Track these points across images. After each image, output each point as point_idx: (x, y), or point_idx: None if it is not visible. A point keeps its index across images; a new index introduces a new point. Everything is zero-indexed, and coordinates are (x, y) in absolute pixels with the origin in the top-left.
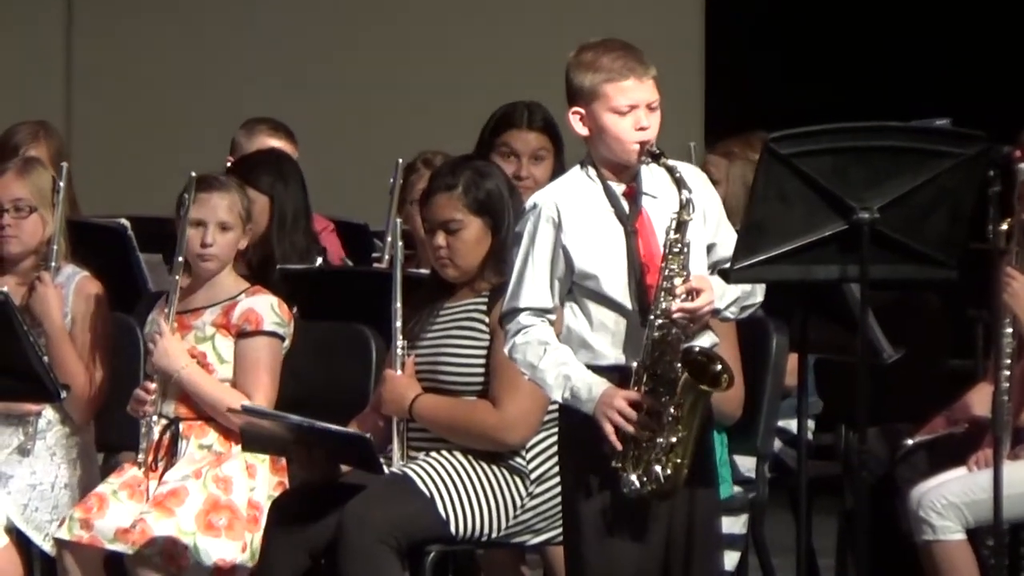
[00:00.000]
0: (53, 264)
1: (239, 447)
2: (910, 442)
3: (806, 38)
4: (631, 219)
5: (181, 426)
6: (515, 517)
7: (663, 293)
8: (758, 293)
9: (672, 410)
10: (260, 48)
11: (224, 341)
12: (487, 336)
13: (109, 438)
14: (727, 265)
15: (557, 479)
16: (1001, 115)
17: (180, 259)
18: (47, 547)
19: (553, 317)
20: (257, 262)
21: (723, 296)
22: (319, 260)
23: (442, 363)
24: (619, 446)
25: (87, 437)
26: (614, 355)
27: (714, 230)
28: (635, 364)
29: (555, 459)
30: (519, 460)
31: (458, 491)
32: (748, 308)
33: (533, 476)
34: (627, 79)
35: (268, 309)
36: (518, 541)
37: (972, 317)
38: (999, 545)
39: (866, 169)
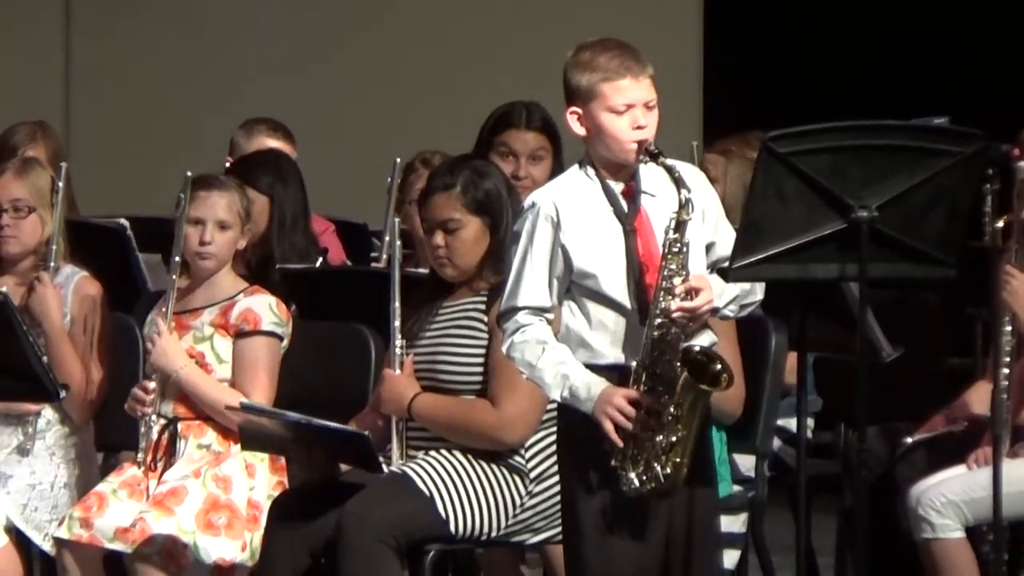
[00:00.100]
0: (52, 264)
1: (238, 446)
2: (909, 440)
3: (805, 37)
4: (630, 218)
5: (180, 426)
6: (514, 516)
7: (662, 292)
8: (757, 291)
9: (672, 409)
10: (259, 48)
11: (223, 341)
12: (486, 335)
13: (108, 438)
14: (726, 264)
15: (556, 478)
16: (1000, 113)
17: (177, 259)
18: (47, 547)
19: (551, 316)
20: (256, 262)
21: (722, 295)
22: (320, 261)
23: (441, 362)
24: (620, 443)
25: (86, 437)
26: (613, 354)
27: (713, 229)
28: (634, 363)
29: (554, 458)
30: (518, 459)
31: (457, 490)
32: (747, 306)
33: (532, 475)
34: (624, 78)
35: (266, 309)
36: (517, 540)
37: (971, 315)
38: (998, 543)
39: (864, 168)
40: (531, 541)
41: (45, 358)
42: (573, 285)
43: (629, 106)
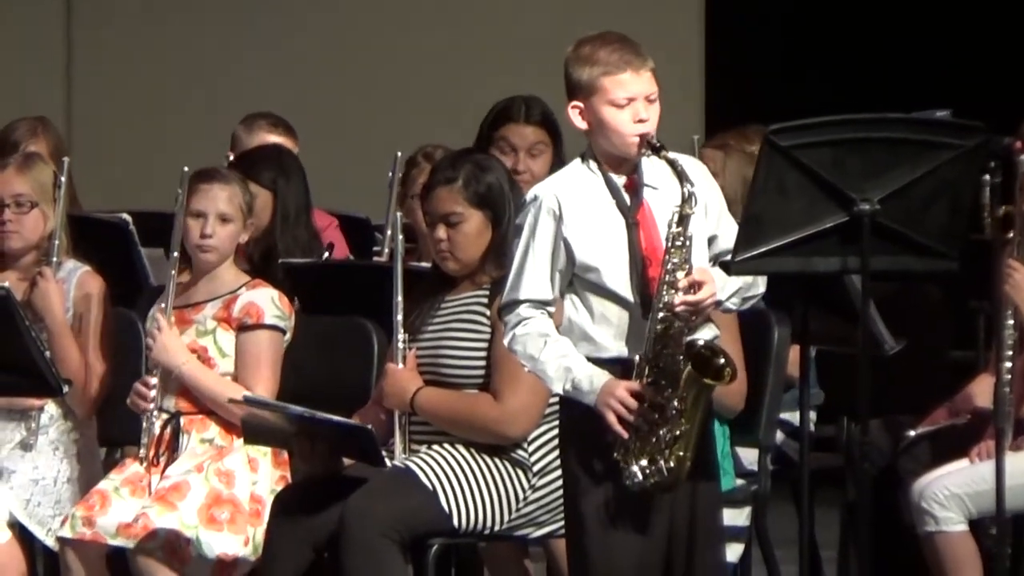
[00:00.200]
0: (55, 259)
1: (241, 441)
2: (912, 434)
3: (806, 31)
4: (632, 211)
5: (182, 420)
6: (517, 510)
7: (665, 286)
8: (760, 284)
9: (675, 403)
10: (260, 43)
11: (225, 335)
12: (488, 329)
13: (111, 433)
14: (728, 257)
15: (559, 472)
16: (1001, 106)
17: (176, 254)
18: (50, 542)
19: (553, 309)
20: (259, 257)
21: (725, 288)
22: (326, 255)
23: (443, 356)
24: (624, 434)
25: (89, 432)
26: (616, 348)
27: (715, 222)
28: (637, 357)
29: (557, 452)
30: (521, 453)
31: (460, 484)
32: (750, 299)
33: (535, 469)
34: (624, 72)
35: (269, 302)
36: (521, 534)
37: (973, 308)
38: (1002, 536)
39: (866, 161)
40: (534, 535)
41: (48, 353)
42: (575, 278)
43: (630, 100)
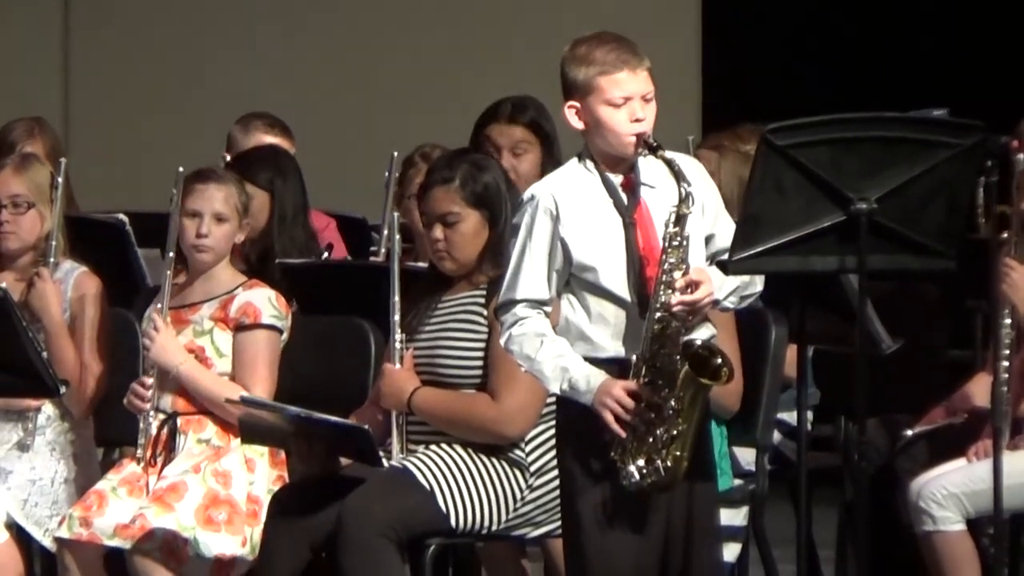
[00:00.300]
0: (52, 260)
1: (238, 441)
2: (909, 433)
3: (803, 31)
4: (630, 210)
5: (179, 421)
6: (515, 510)
7: (662, 286)
8: (757, 283)
9: (672, 403)
10: (257, 44)
11: (222, 335)
12: (485, 329)
13: (108, 433)
14: (725, 256)
15: (556, 471)
16: (999, 105)
17: (171, 255)
18: (47, 542)
19: (549, 309)
20: (257, 257)
21: (722, 287)
22: (325, 255)
23: (440, 356)
24: (622, 433)
25: (87, 432)
26: (613, 347)
27: (712, 221)
28: (634, 357)
29: (554, 451)
30: (518, 453)
31: (458, 484)
32: (747, 298)
33: (532, 469)
34: (621, 71)
35: (266, 302)
36: (518, 534)
37: (971, 307)
38: (999, 535)
39: (863, 160)
40: (532, 535)
41: (45, 354)
42: (572, 278)
43: (626, 99)
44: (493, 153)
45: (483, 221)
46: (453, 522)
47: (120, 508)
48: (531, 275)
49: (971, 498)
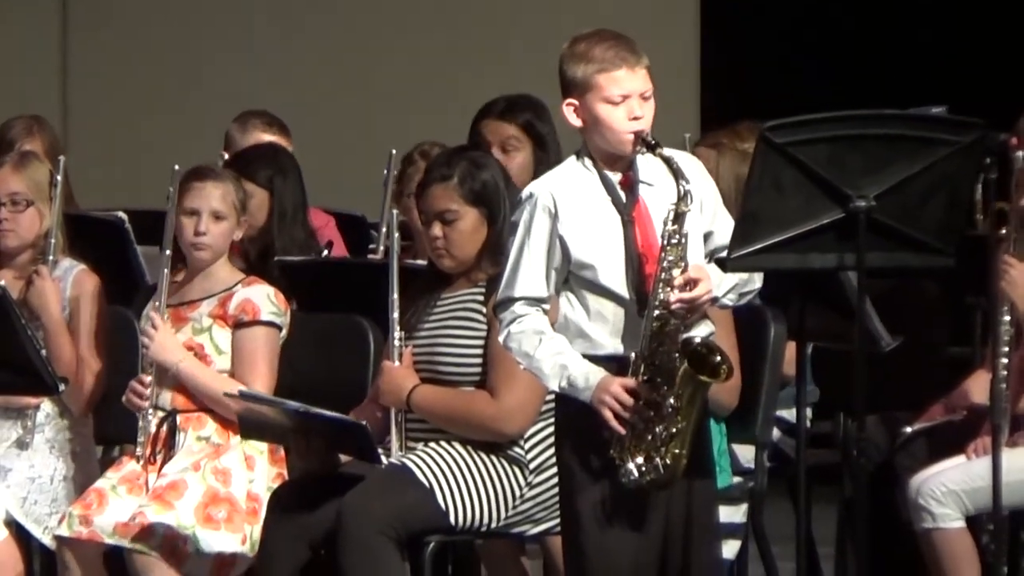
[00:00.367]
0: (51, 257)
1: (237, 438)
2: (909, 430)
3: (802, 28)
4: (628, 208)
5: (179, 418)
6: (514, 507)
7: (661, 284)
8: (756, 280)
9: (671, 400)
10: (256, 42)
11: (221, 332)
12: (484, 326)
13: (108, 431)
14: (724, 253)
15: (556, 469)
16: (998, 102)
17: (168, 252)
18: (46, 540)
19: (548, 307)
20: (256, 255)
21: (720, 285)
22: (325, 253)
23: (440, 354)
24: (622, 430)
25: (86, 430)
26: (612, 345)
27: (711, 218)
28: (633, 354)
29: (553, 449)
30: (517, 450)
31: (457, 482)
32: (746, 295)
33: (532, 466)
34: (619, 69)
35: (265, 299)
36: (517, 531)
37: (970, 304)
38: (998, 532)
39: (862, 157)
40: (531, 532)
41: (44, 351)
42: (571, 276)
43: (625, 97)
44: (482, 148)
45: (482, 219)
46: (452, 519)
47: (120, 506)
48: (529, 273)
49: (970, 495)
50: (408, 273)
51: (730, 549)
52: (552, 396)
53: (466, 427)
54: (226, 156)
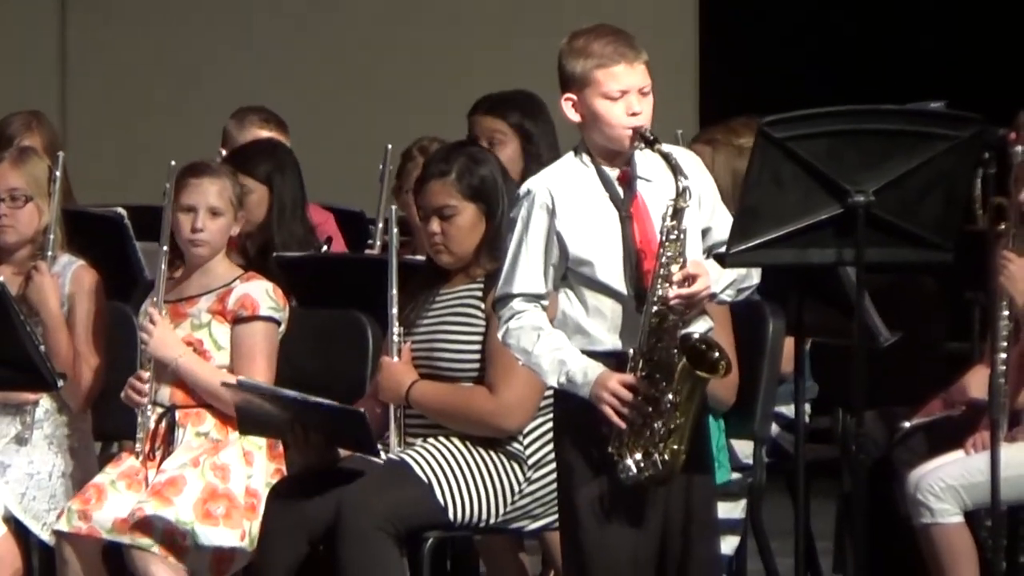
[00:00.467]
0: (49, 253)
1: (236, 434)
2: (907, 425)
3: (801, 24)
4: (626, 204)
5: (177, 414)
6: (513, 503)
7: (660, 280)
8: (754, 275)
9: (670, 396)
10: (254, 39)
11: (220, 328)
12: (483, 322)
13: (106, 427)
14: (722, 249)
15: (554, 464)
16: (996, 97)
17: (165, 249)
18: (45, 536)
19: (546, 303)
20: (256, 251)
21: (719, 280)
22: (325, 249)
23: (438, 349)
24: (622, 425)
25: (84, 426)
26: (610, 341)
27: (709, 214)
28: (631, 350)
29: (552, 444)
30: (516, 446)
31: (456, 477)
32: (744, 290)
33: (530, 462)
34: (618, 64)
35: (263, 294)
36: (516, 527)
37: (969, 300)
38: (997, 527)
39: (861, 152)
40: (529, 528)
41: (43, 347)
42: (569, 272)
43: (623, 92)
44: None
45: (480, 214)
46: (451, 515)
47: (119, 502)
48: (528, 269)
49: (969, 490)
50: (407, 269)
51: (729, 545)
52: (551, 392)
53: (465, 423)
54: (223, 152)
